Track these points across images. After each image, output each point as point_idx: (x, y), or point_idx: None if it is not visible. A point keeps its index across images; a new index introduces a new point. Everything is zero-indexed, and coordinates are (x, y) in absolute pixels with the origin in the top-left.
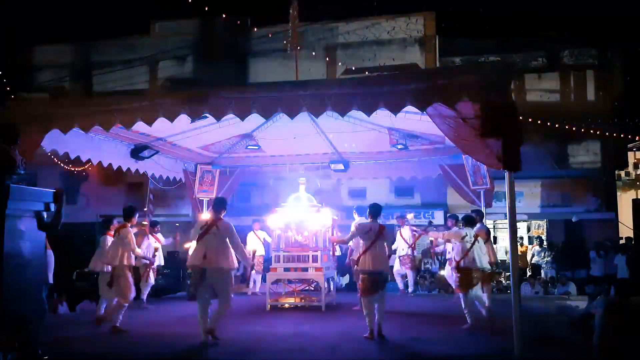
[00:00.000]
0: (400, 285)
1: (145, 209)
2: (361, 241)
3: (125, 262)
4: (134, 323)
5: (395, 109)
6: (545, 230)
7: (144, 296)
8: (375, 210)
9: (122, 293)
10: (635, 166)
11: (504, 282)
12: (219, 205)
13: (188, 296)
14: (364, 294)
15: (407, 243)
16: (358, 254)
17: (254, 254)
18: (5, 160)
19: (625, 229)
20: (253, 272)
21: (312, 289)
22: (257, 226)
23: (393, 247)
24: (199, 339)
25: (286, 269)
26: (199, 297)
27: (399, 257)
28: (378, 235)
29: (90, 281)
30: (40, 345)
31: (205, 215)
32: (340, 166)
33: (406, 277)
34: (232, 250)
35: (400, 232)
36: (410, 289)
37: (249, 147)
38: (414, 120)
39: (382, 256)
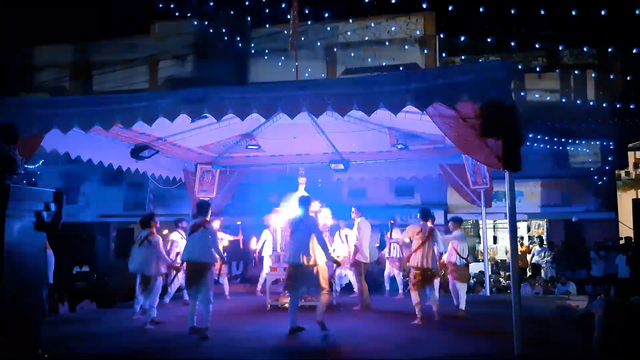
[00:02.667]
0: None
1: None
2: (414, 240)
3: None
4: (135, 322)
5: (395, 109)
6: (545, 230)
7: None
8: (426, 213)
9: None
10: (635, 166)
11: (503, 282)
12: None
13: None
14: (414, 287)
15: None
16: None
17: None
18: (5, 160)
19: (626, 229)
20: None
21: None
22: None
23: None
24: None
25: (286, 269)
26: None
27: (388, 258)
28: (428, 236)
29: (90, 281)
30: (40, 345)
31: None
32: (340, 166)
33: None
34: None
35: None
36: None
37: (249, 147)
38: (414, 120)
39: (432, 255)
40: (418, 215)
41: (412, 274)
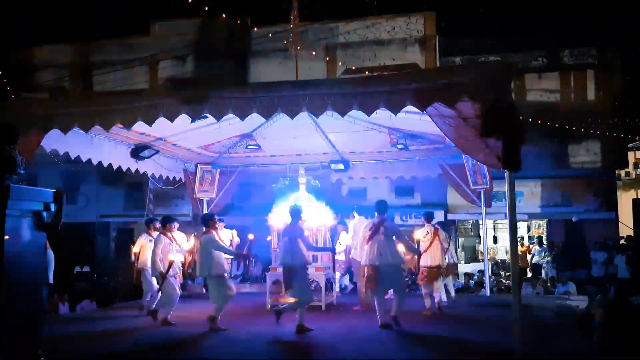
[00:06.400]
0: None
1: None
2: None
3: None
4: (135, 323)
5: (395, 109)
6: (545, 230)
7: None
8: (430, 215)
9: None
10: (635, 166)
11: (504, 282)
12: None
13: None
14: (423, 282)
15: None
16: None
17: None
18: (5, 160)
19: (626, 229)
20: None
21: (312, 289)
22: (221, 225)
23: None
24: (197, 338)
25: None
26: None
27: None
28: (434, 237)
29: (90, 281)
30: (41, 345)
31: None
32: (340, 166)
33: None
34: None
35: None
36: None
37: (249, 147)
38: (414, 120)
39: (440, 253)
40: (422, 218)
41: (421, 272)
